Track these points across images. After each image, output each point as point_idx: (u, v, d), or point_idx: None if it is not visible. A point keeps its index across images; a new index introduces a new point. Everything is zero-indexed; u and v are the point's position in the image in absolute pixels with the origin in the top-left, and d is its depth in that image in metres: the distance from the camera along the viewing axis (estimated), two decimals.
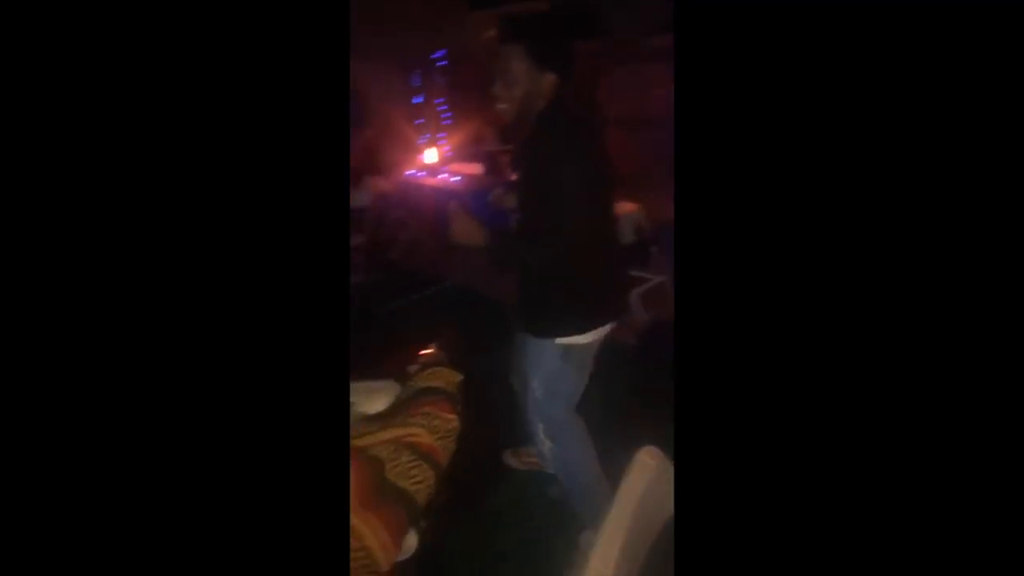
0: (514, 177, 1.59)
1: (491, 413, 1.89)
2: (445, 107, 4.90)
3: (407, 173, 4.47)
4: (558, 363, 1.57)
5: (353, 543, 0.93)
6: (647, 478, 0.94)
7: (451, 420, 1.13)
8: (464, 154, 4.67)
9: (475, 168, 4.31)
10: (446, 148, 4.81)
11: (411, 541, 1.08)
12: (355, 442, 1.08)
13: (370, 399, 1.34)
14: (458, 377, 1.22)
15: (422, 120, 4.89)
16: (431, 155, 4.63)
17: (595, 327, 1.57)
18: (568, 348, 1.56)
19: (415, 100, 4.94)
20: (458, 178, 4.27)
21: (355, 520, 0.94)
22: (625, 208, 2.88)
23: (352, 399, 1.33)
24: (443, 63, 4.79)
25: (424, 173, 4.49)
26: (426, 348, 1.34)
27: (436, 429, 1.10)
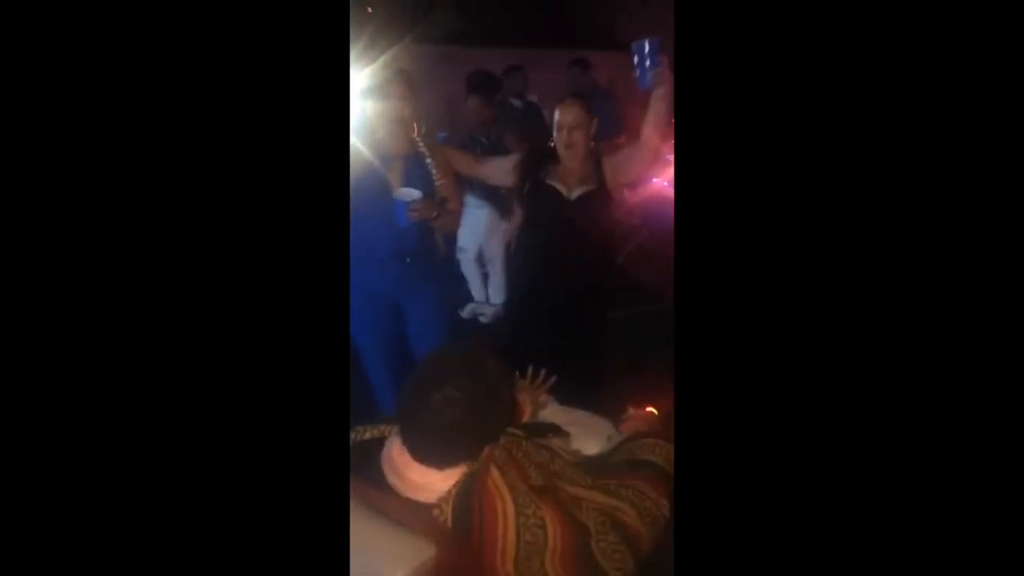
0: None
1: None
2: None
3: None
4: None
5: None
6: None
7: (662, 505, 1.04)
8: None
9: None
10: None
11: None
12: (568, 488, 1.03)
13: (586, 435, 1.30)
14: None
15: None
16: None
17: None
18: None
19: None
20: None
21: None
22: None
23: (569, 428, 1.30)
24: None
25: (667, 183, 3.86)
26: (644, 408, 1.23)
27: (645, 512, 1.02)
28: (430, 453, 0.94)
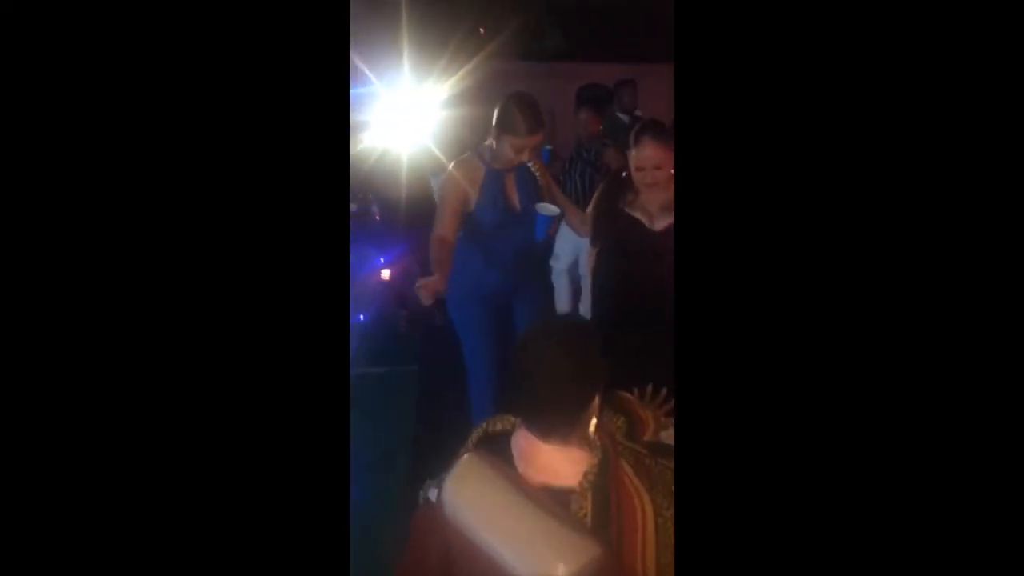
0: None
1: None
2: None
3: None
4: None
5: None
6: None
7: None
8: None
9: None
10: None
11: None
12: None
13: None
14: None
15: None
16: None
17: None
18: None
19: None
20: None
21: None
22: None
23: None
24: None
25: None
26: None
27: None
28: (545, 426, 0.93)
